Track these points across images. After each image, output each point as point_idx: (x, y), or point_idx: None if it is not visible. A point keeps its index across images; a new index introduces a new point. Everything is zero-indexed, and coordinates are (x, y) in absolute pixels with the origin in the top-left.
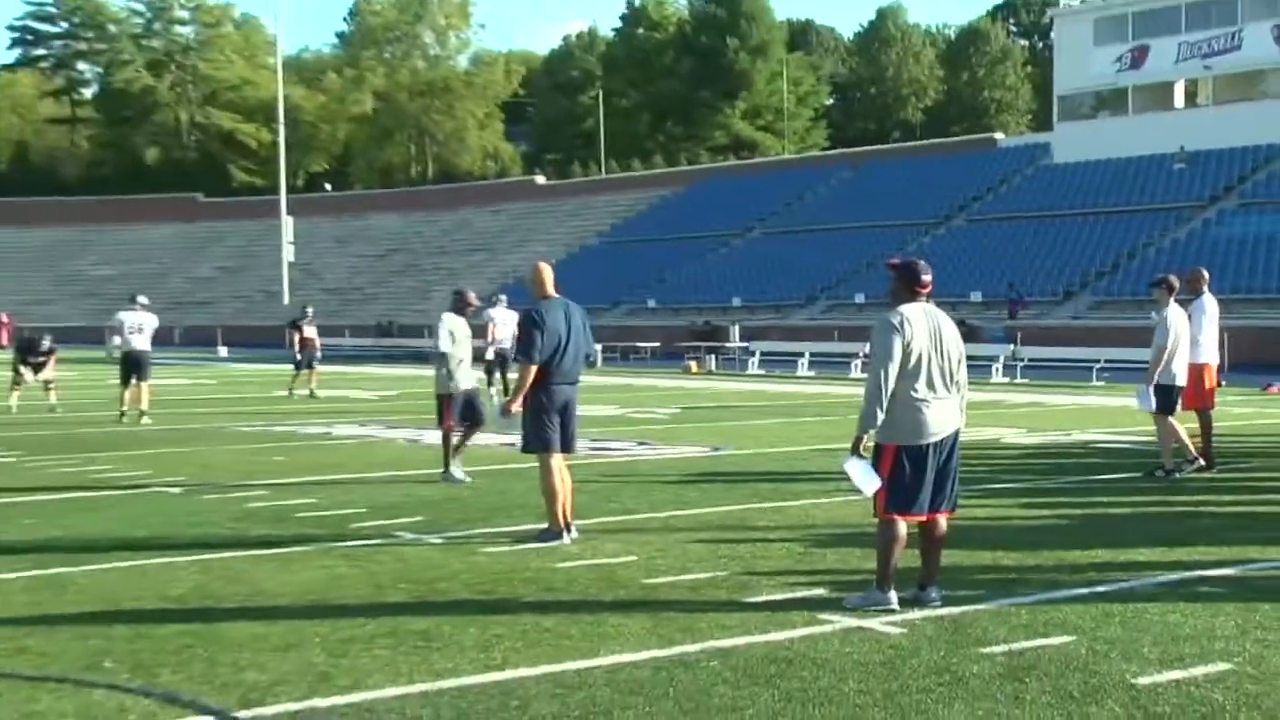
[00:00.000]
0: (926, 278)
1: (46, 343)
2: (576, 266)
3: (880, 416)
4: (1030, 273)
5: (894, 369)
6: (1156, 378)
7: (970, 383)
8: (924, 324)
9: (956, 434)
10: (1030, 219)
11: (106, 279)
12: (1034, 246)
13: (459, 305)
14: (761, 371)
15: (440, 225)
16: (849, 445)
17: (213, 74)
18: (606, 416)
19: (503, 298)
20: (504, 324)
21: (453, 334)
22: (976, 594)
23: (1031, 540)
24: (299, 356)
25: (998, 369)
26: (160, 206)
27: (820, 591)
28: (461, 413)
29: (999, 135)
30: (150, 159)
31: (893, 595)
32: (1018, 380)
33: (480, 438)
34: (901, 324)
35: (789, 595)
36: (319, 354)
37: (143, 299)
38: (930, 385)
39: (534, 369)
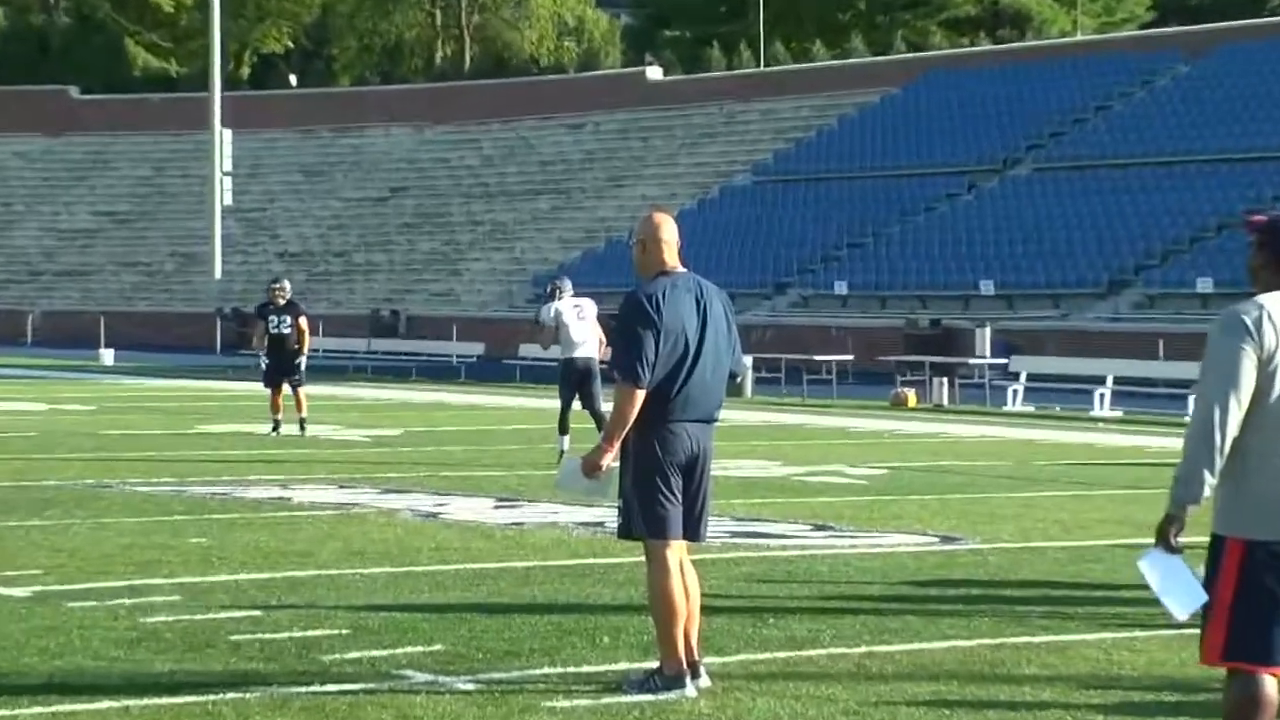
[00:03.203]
0: None
1: None
2: (710, 222)
3: (1211, 483)
4: None
5: (1239, 402)
6: None
7: None
8: None
9: None
10: None
11: None
12: None
13: None
14: (1029, 408)
15: (481, 148)
16: (1154, 531)
17: None
18: (761, 479)
19: (566, 282)
20: (578, 322)
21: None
22: None
23: None
24: (265, 363)
25: None
26: (6, 107)
27: None
28: None
29: None
30: None
31: None
32: None
33: (543, 513)
34: (1258, 325)
35: None
36: (303, 359)
37: None
38: None
39: (640, 394)
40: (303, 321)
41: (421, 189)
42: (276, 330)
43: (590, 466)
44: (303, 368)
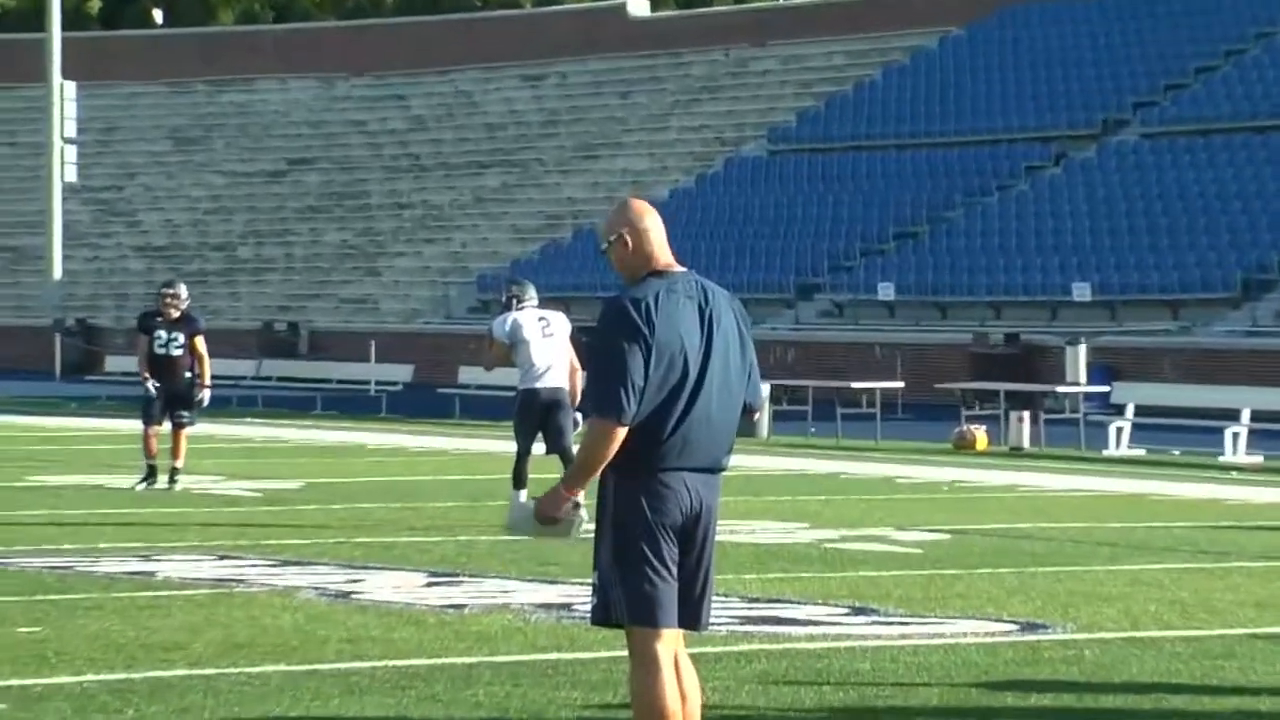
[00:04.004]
0: None
1: None
2: (712, 206)
3: None
4: None
5: None
6: None
7: None
8: None
9: None
10: None
11: None
12: None
13: None
14: (1137, 451)
15: (409, 108)
16: None
17: None
18: (782, 546)
19: (528, 287)
20: (543, 340)
21: None
22: None
23: None
24: (153, 391)
25: None
26: None
27: None
28: None
29: None
30: None
31: None
32: None
33: (491, 592)
34: None
35: None
36: (206, 393)
37: None
38: None
39: (621, 432)
40: (200, 342)
41: (330, 161)
42: (165, 351)
43: (545, 515)
44: (198, 403)
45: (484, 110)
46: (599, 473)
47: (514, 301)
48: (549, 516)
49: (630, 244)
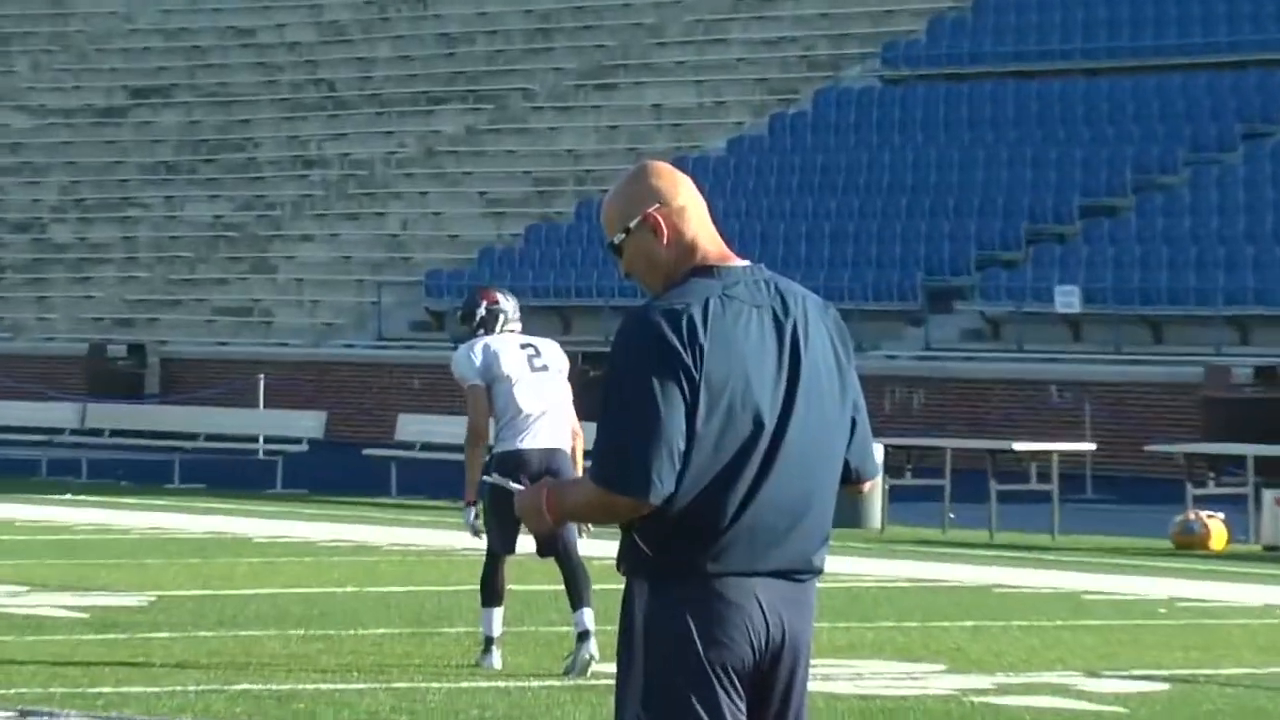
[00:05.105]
0: None
1: None
2: (791, 164)
3: None
4: None
5: None
6: None
7: None
8: None
9: None
10: None
11: None
12: None
13: None
14: None
15: (321, 7)
16: None
17: None
18: (908, 701)
19: (507, 299)
20: (530, 377)
21: None
22: None
23: None
24: None
25: None
26: None
27: None
28: None
29: None
30: None
31: None
32: None
33: None
34: None
35: None
36: None
37: None
38: None
39: (643, 510)
40: None
41: (197, 91)
42: None
43: (528, 506)
44: None
45: (436, 14)
46: (620, 575)
47: (492, 320)
48: (535, 509)
49: (664, 228)
